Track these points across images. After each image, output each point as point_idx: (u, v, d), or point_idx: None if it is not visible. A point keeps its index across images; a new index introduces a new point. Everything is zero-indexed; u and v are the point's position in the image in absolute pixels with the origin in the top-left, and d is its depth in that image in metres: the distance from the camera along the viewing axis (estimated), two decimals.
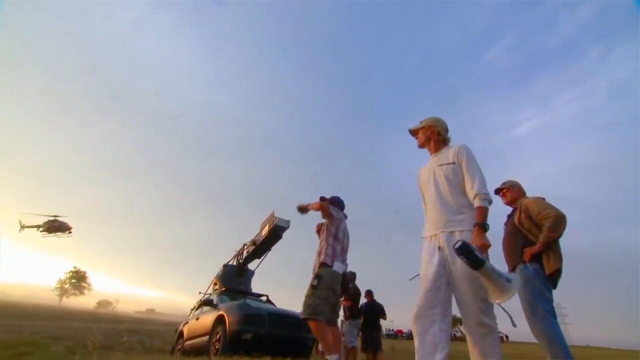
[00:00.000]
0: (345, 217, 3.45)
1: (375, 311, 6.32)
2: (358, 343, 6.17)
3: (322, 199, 3.37)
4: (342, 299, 5.68)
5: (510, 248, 2.65)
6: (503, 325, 1.84)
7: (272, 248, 7.21)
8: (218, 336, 4.62)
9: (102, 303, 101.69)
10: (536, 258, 2.44)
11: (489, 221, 1.79)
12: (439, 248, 1.83)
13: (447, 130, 2.17)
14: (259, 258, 7.52)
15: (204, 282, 8.13)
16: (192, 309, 7.10)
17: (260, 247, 7.09)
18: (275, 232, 6.49)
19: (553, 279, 2.41)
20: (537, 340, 2.33)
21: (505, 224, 2.80)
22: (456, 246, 1.63)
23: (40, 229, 26.08)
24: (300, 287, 3.03)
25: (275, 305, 6.14)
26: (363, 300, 6.36)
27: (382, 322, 6.66)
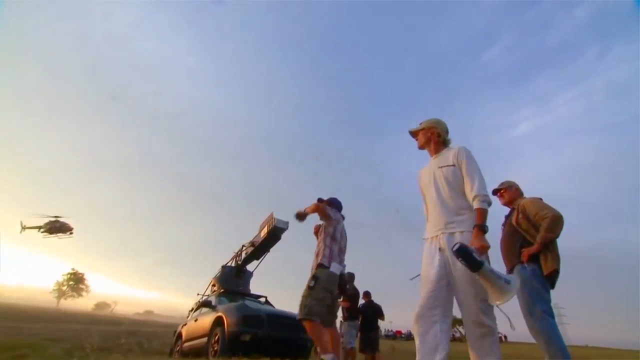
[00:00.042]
0: (343, 218, 3.46)
1: (373, 312, 6.32)
2: (357, 344, 6.17)
3: (320, 200, 3.37)
4: (341, 300, 5.69)
5: (508, 249, 2.65)
6: (502, 326, 1.86)
7: (271, 249, 7.21)
8: (217, 337, 4.61)
9: (100, 305, 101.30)
10: (534, 258, 2.45)
11: (488, 222, 1.79)
12: (440, 249, 1.84)
13: (447, 132, 2.18)
14: (257, 259, 7.52)
15: (203, 284, 8.14)
16: (191, 311, 7.09)
17: (259, 249, 7.09)
18: (274, 234, 6.49)
19: (551, 279, 2.42)
20: (535, 340, 2.34)
21: (503, 225, 2.81)
22: (454, 249, 1.64)
23: (42, 229, 25.93)
24: (299, 289, 3.03)
25: (274, 307, 6.14)
26: (362, 301, 6.37)
27: (380, 322, 6.67)
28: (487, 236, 1.77)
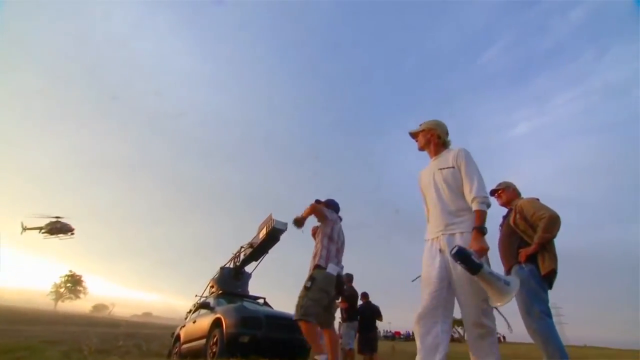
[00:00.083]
0: (340, 219, 3.46)
1: (370, 313, 6.33)
2: (355, 345, 6.17)
3: (317, 201, 3.38)
4: (339, 300, 5.69)
5: (505, 249, 2.66)
6: (501, 327, 1.87)
7: (270, 251, 7.21)
8: (215, 339, 4.60)
9: (98, 307, 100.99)
10: (531, 259, 2.46)
11: (486, 223, 1.81)
12: (440, 250, 1.86)
13: (447, 134, 2.19)
14: (256, 260, 7.51)
15: (201, 285, 8.12)
16: (189, 312, 7.07)
17: (258, 250, 7.08)
18: (273, 235, 6.49)
19: (548, 279, 2.43)
20: (533, 340, 2.35)
21: (501, 225, 2.82)
22: (452, 252, 1.66)
23: (42, 230, 25.79)
24: (297, 290, 3.03)
25: (272, 308, 6.13)
26: (360, 302, 6.37)
27: (379, 323, 6.68)
28: (486, 237, 1.78)
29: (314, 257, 3.12)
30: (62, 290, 73.76)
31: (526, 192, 2.89)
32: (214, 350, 4.51)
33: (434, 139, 2.16)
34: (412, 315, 1.83)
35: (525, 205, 2.63)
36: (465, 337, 1.85)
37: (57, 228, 25.83)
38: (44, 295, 75.91)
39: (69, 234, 26.50)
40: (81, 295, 76.32)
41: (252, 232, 7.29)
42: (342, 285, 3.28)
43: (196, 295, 7.84)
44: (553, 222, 2.46)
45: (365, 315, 6.24)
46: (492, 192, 2.92)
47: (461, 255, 1.62)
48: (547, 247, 2.45)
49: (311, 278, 2.97)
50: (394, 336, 38.13)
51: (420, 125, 2.25)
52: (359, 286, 6.32)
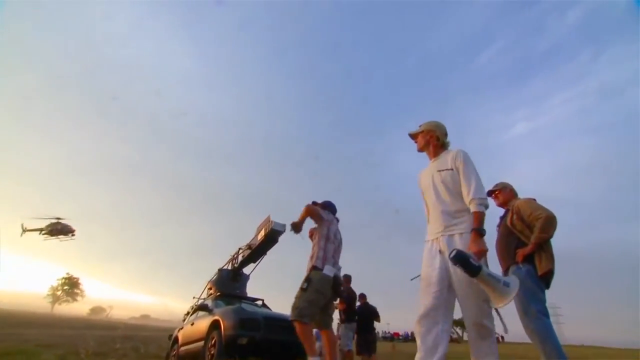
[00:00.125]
0: (337, 220, 3.46)
1: (368, 314, 6.33)
2: (354, 346, 6.17)
3: (314, 203, 3.38)
4: (337, 302, 5.68)
5: (503, 249, 2.67)
6: (500, 327, 1.89)
7: (268, 252, 7.19)
8: (213, 341, 4.58)
9: (96, 309, 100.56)
10: (529, 259, 2.47)
11: (484, 224, 1.82)
12: (440, 251, 1.87)
13: (446, 135, 2.20)
14: (254, 262, 7.48)
15: (199, 287, 8.08)
16: (187, 314, 7.04)
17: (256, 251, 7.05)
18: (271, 236, 6.47)
19: (546, 279, 2.44)
20: (530, 340, 2.36)
21: (498, 226, 2.83)
22: (451, 256, 1.66)
23: (43, 232, 25.64)
24: (295, 292, 3.02)
25: (270, 310, 6.11)
26: (358, 303, 6.38)
27: (378, 324, 6.68)
28: (484, 238, 1.79)
29: (311, 258, 3.12)
30: (59, 293, 73.38)
31: (523, 193, 2.91)
32: (212, 352, 4.49)
33: (433, 140, 2.18)
34: (412, 316, 1.86)
35: (522, 205, 2.64)
36: (465, 337, 1.87)
37: (58, 229, 25.72)
38: (41, 298, 75.57)
39: (70, 235, 26.38)
40: (78, 298, 76.04)
41: (250, 233, 7.27)
42: (340, 286, 3.28)
43: (194, 297, 7.80)
44: (549, 222, 2.47)
45: (363, 316, 6.24)
46: (489, 193, 2.93)
47: (460, 259, 1.62)
48: (544, 247, 2.46)
49: (307, 279, 2.97)
50: (392, 337, 38.17)
51: (420, 126, 2.26)
52: (357, 287, 6.34)
